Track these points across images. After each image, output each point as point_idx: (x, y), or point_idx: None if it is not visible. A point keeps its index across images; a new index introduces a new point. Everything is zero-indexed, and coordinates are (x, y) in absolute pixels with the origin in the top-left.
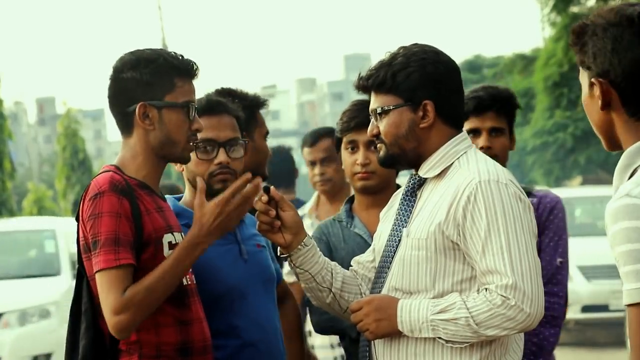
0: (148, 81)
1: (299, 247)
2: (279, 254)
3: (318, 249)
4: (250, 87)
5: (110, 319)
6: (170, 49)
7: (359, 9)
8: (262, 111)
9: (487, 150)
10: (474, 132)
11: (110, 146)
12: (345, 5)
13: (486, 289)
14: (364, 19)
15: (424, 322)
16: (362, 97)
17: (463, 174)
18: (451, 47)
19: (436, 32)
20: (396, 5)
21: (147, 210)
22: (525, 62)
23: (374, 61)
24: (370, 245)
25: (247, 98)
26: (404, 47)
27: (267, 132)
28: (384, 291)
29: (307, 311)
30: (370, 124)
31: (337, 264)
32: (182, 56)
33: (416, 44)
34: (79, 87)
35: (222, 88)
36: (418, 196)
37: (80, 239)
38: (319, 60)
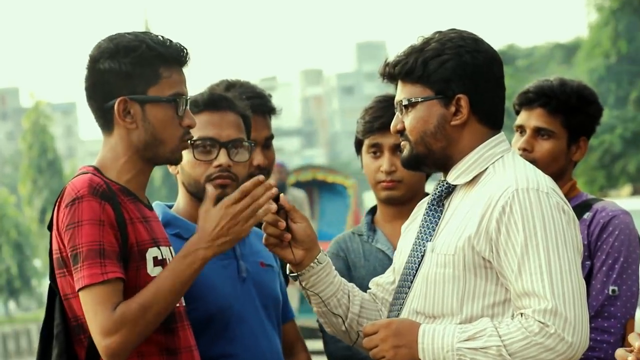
0: (128, 72)
1: (312, 264)
2: (287, 272)
3: (334, 267)
4: (247, 79)
5: (101, 342)
6: (153, 32)
7: None
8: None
9: (524, 152)
10: (521, 130)
11: (84, 145)
12: None
13: (522, 314)
14: (378, 2)
15: (449, 350)
16: (383, 90)
17: (498, 181)
18: (481, 35)
19: (463, 18)
20: None
21: (130, 220)
22: (564, 52)
23: (390, 50)
24: None
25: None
26: (439, 32)
27: (272, 137)
28: (404, 314)
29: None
30: (395, 117)
31: (354, 286)
32: (170, 41)
33: (454, 29)
34: (46, 77)
35: (230, 80)
36: (446, 206)
37: (54, 252)
38: (326, 49)
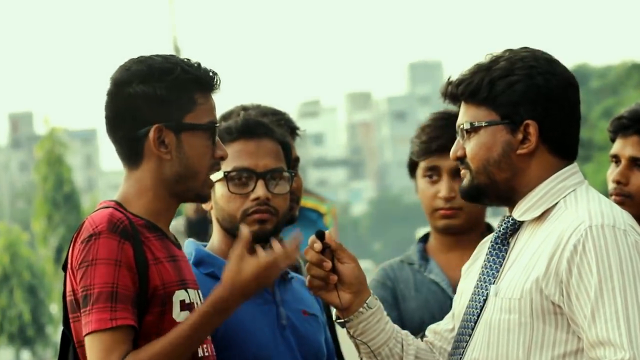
0: (163, 98)
1: (361, 310)
2: (334, 318)
3: (385, 312)
4: (287, 103)
5: None
6: (183, 54)
7: (427, 5)
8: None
9: (618, 185)
10: (616, 160)
11: (105, 177)
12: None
13: None
14: (434, 18)
15: None
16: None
17: (569, 217)
18: (550, 53)
19: (530, 34)
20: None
21: (155, 259)
22: None
23: (447, 71)
24: (448, 294)
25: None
26: (510, 50)
27: (297, 159)
28: None
29: None
30: (455, 143)
31: (408, 333)
32: (199, 64)
33: (526, 48)
34: (63, 101)
35: (260, 105)
36: (511, 244)
37: (68, 294)
38: (375, 70)
